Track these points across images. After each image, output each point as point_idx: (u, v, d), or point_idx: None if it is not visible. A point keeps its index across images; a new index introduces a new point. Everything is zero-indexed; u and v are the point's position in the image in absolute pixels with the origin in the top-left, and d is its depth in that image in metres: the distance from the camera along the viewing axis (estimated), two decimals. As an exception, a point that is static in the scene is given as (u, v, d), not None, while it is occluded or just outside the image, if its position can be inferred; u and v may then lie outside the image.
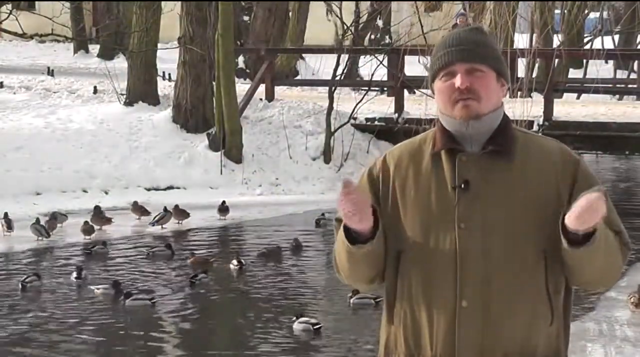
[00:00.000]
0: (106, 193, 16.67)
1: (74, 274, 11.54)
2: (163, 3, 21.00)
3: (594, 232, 3.07)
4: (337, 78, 19.41)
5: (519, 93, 16.30)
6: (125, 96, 20.21)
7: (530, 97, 17.54)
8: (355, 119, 18.87)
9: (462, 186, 3.23)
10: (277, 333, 9.82)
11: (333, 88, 18.91)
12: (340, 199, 3.13)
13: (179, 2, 19.77)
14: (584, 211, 3.02)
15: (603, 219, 3.13)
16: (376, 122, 18.95)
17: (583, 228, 3.06)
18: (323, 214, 14.84)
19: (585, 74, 27.03)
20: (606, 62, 28.88)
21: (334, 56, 19.82)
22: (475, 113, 3.24)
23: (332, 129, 18.37)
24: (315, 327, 9.73)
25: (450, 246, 3.22)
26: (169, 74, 24.98)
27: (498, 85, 3.30)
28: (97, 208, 14.69)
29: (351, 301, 10.56)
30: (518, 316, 3.21)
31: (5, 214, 14.01)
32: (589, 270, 3.19)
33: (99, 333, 9.85)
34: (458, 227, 3.22)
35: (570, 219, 3.05)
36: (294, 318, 9.87)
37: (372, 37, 29.32)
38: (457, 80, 3.23)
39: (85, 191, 16.65)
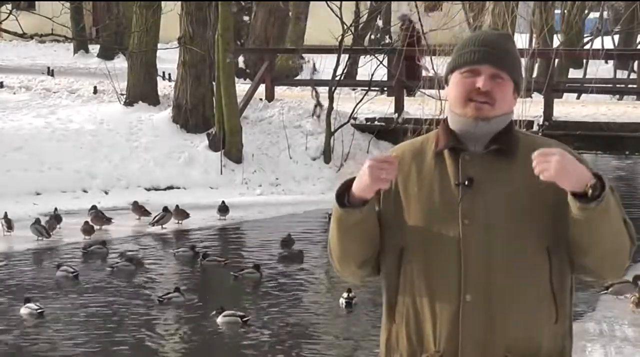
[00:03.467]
0: (106, 193, 16.67)
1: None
2: (163, 3, 21.00)
3: (602, 191, 3.05)
4: (337, 78, 19.42)
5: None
6: (125, 96, 20.21)
7: (530, 97, 17.53)
8: (355, 119, 18.87)
9: (466, 183, 3.25)
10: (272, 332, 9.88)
11: (333, 88, 18.92)
12: (384, 160, 3.14)
13: (179, 2, 19.77)
14: (543, 167, 3.05)
15: None
16: (376, 122, 18.96)
17: (569, 181, 3.06)
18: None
19: (585, 74, 27.03)
20: (606, 62, 28.88)
21: (334, 56, 19.84)
22: (486, 116, 3.27)
23: (332, 129, 18.38)
24: (243, 319, 9.92)
25: (454, 242, 3.23)
26: (169, 74, 24.98)
27: (512, 96, 3.34)
28: (94, 207, 14.68)
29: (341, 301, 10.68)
30: (521, 311, 3.22)
31: (5, 214, 14.02)
32: (600, 239, 3.15)
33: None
34: (462, 223, 3.23)
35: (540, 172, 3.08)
36: (214, 312, 10.02)
37: (372, 37, 29.32)
38: (480, 82, 3.25)
39: (85, 191, 16.65)
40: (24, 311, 10.30)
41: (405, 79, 18.92)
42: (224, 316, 10.00)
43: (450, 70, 3.34)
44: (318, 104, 19.11)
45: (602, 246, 3.19)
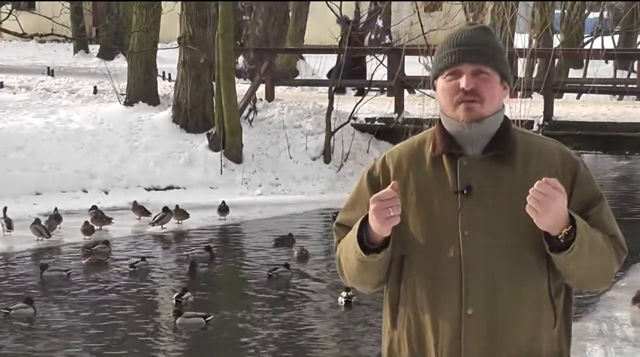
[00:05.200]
0: (106, 193, 16.67)
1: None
2: (163, 3, 21.00)
3: (573, 239, 3.08)
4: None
5: (518, 93, 16.29)
6: (125, 96, 20.21)
7: (530, 97, 17.54)
8: (355, 119, 18.87)
9: (465, 191, 3.22)
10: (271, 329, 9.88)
11: (333, 88, 18.92)
12: (388, 198, 3.11)
13: (179, 2, 19.77)
14: (534, 203, 3.05)
15: (597, 224, 3.16)
16: (376, 122, 18.96)
17: (546, 224, 3.08)
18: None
19: (585, 74, 27.02)
20: (606, 62, 28.88)
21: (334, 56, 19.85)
22: (478, 116, 3.23)
23: (332, 129, 18.38)
24: (206, 319, 9.91)
25: (455, 254, 3.20)
26: (169, 74, 24.98)
27: (501, 88, 3.29)
28: (94, 207, 14.68)
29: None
30: (523, 321, 3.21)
31: (5, 214, 13.96)
32: (576, 273, 3.20)
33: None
34: (462, 234, 3.20)
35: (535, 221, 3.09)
36: (172, 314, 10.00)
37: (372, 37, 29.31)
38: (462, 82, 3.21)
39: (85, 191, 16.64)
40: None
41: (350, 78, 19.37)
42: (185, 317, 9.93)
43: (434, 77, 3.31)
44: (254, 109, 19.19)
45: (576, 277, 3.23)
